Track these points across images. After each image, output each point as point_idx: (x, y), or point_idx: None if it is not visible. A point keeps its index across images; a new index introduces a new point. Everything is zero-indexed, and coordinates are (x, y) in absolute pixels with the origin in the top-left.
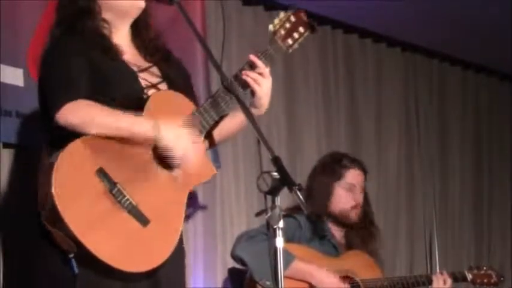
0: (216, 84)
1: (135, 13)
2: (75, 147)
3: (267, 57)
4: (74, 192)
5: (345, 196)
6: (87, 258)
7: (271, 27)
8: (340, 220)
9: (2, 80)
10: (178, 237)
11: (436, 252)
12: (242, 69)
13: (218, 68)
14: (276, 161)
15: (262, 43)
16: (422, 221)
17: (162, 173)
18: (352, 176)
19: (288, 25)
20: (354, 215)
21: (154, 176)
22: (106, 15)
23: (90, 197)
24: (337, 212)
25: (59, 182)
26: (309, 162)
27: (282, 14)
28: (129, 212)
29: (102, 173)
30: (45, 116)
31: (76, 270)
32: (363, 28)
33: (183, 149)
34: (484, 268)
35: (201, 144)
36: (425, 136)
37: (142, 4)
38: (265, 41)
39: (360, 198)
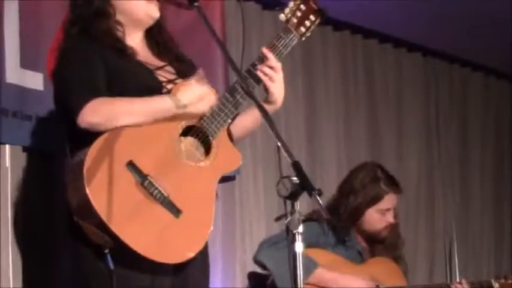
0: None
1: (148, 22)
2: (102, 142)
3: (280, 48)
4: (107, 187)
5: (378, 219)
6: (121, 252)
7: (282, 16)
8: (369, 237)
9: (22, 85)
10: (211, 227)
11: (456, 258)
12: (254, 64)
13: (238, 72)
14: (296, 166)
15: None
16: (442, 227)
17: (190, 163)
18: (388, 201)
19: (299, 13)
20: (384, 233)
21: (182, 166)
22: (120, 17)
23: (123, 191)
24: (368, 231)
25: (90, 178)
26: (328, 167)
27: (291, 3)
28: (162, 203)
29: (132, 165)
30: (64, 117)
31: (112, 265)
32: (383, 33)
33: (207, 103)
34: None
35: (225, 133)
36: (445, 142)
37: (157, 15)
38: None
39: (392, 219)
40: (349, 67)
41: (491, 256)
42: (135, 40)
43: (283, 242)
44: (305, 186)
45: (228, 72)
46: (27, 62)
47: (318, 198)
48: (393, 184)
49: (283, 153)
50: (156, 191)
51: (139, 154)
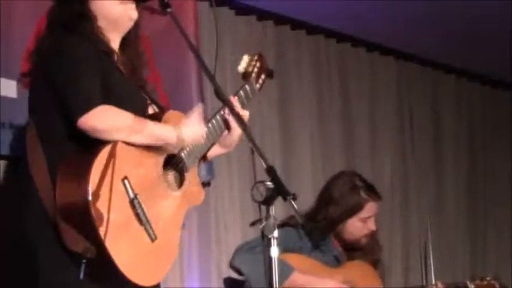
0: (209, 94)
1: (126, 24)
2: (107, 153)
3: (243, 98)
4: (105, 198)
5: (360, 227)
6: (97, 265)
7: (241, 68)
8: (349, 245)
9: None
10: (176, 257)
11: (431, 261)
12: (223, 109)
13: (211, 77)
14: (270, 171)
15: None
16: (417, 230)
17: (168, 191)
18: (368, 209)
19: (255, 69)
20: (364, 241)
21: (162, 192)
22: (101, 22)
23: (116, 205)
24: (348, 239)
25: (93, 187)
26: (303, 172)
27: (246, 57)
28: (144, 226)
29: (126, 182)
30: (44, 115)
31: (82, 275)
32: (356, 37)
33: (199, 136)
34: (487, 278)
35: (196, 168)
36: (419, 144)
37: (135, 15)
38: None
39: (373, 226)
40: (322, 71)
41: (467, 258)
42: (116, 46)
43: (259, 247)
44: (280, 191)
45: (201, 78)
46: (0, 70)
47: (293, 202)
48: (373, 192)
49: (258, 158)
50: (142, 213)
51: (132, 172)
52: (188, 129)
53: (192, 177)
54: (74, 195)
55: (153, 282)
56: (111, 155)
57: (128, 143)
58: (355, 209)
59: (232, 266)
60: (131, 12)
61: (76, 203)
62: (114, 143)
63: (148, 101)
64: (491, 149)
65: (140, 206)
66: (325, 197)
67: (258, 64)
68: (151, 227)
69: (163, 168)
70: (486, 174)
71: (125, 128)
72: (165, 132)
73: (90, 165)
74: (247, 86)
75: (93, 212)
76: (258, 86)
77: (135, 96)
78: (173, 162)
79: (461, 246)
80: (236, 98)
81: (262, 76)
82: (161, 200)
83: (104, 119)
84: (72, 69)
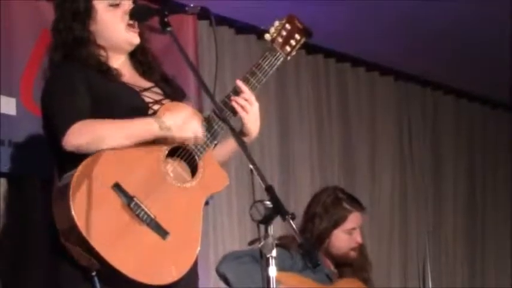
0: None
1: (127, 48)
2: (87, 165)
3: (268, 65)
4: (93, 210)
5: (346, 240)
6: (108, 274)
7: (267, 36)
8: (338, 261)
9: None
10: (198, 247)
11: (430, 281)
12: (229, 95)
13: (211, 97)
14: (269, 190)
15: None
16: (415, 249)
17: (176, 184)
18: (352, 219)
19: (284, 32)
20: (353, 255)
21: (168, 187)
22: (101, 42)
23: (109, 213)
24: (336, 254)
25: (76, 202)
26: (302, 191)
27: (277, 22)
28: (148, 225)
29: (118, 187)
30: (51, 142)
31: (98, 287)
32: (356, 57)
33: (191, 130)
34: None
35: (212, 153)
36: (419, 165)
37: (136, 41)
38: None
39: (359, 238)
40: (322, 90)
41: (465, 276)
42: (118, 62)
43: (246, 257)
44: (278, 210)
45: (201, 97)
46: (0, 88)
47: (292, 222)
48: (355, 203)
49: (257, 177)
50: (143, 213)
51: (125, 176)
52: (170, 116)
53: (207, 163)
54: (62, 218)
55: (173, 278)
56: (92, 167)
57: (116, 148)
58: (339, 221)
59: (218, 272)
60: (133, 39)
61: (66, 225)
62: (95, 154)
63: (159, 98)
64: (491, 169)
65: (139, 207)
66: (309, 213)
67: (287, 27)
68: (158, 225)
69: (169, 162)
70: (485, 192)
71: (104, 135)
72: (145, 126)
73: (69, 185)
74: (267, 54)
75: (81, 229)
76: (288, 48)
77: (134, 101)
78: (178, 154)
79: (459, 262)
80: (251, 76)
81: (297, 36)
82: (169, 195)
83: (81, 134)
84: (54, 95)
